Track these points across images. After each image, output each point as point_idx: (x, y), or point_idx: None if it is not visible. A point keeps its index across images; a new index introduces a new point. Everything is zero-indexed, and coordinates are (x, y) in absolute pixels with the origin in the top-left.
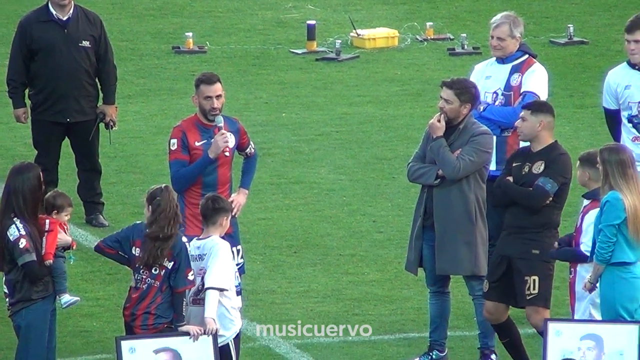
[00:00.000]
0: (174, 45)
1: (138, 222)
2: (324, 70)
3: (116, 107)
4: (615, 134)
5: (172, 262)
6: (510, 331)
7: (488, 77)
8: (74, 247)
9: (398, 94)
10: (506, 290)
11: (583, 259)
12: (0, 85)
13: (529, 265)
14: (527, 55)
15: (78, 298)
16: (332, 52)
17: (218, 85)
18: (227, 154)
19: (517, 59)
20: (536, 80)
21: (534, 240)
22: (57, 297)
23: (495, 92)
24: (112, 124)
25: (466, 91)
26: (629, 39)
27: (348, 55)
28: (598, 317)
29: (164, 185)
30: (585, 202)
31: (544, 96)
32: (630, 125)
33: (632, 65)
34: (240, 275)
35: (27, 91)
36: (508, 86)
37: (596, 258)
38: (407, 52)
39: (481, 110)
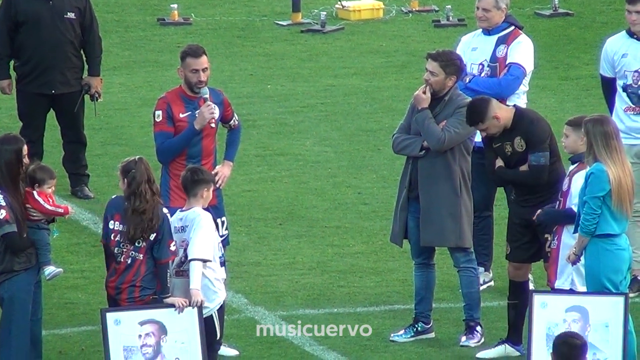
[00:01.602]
0: (159, 17)
1: (113, 196)
2: (309, 42)
3: (101, 79)
4: (610, 102)
5: (155, 234)
6: (523, 295)
7: (474, 49)
8: (69, 214)
9: (383, 65)
10: (529, 249)
11: (572, 217)
12: None
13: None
14: (513, 27)
15: (61, 269)
16: (317, 23)
17: (204, 58)
18: (212, 125)
19: (503, 30)
20: (522, 52)
21: (546, 199)
22: (41, 268)
23: (481, 64)
24: (97, 95)
25: (451, 63)
26: (630, 10)
27: (333, 27)
28: (582, 287)
29: (137, 157)
30: (572, 166)
31: (529, 68)
32: (625, 94)
33: (631, 34)
34: (224, 246)
35: (12, 63)
36: (494, 57)
37: (581, 230)
38: (392, 24)
39: (467, 81)
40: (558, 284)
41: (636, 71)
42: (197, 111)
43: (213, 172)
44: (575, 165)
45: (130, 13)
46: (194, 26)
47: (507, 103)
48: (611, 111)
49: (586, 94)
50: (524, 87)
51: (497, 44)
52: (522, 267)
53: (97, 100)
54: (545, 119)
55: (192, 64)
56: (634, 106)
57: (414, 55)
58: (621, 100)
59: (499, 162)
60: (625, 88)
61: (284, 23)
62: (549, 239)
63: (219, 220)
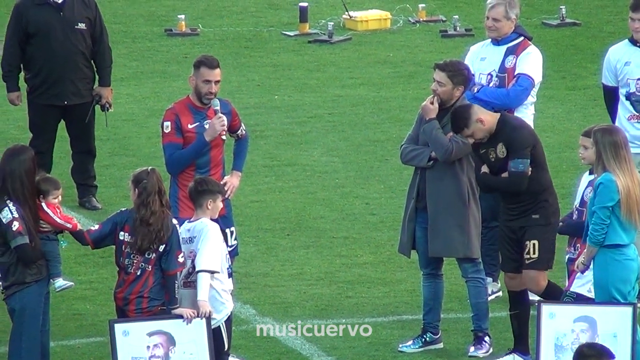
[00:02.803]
0: (167, 27)
1: (123, 209)
2: (317, 52)
3: (111, 89)
4: (612, 111)
5: (164, 245)
6: (523, 305)
7: (483, 59)
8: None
9: (390, 76)
10: (517, 260)
11: None
12: None
13: (529, 231)
14: (522, 38)
15: (72, 283)
16: (324, 34)
17: (218, 71)
18: (223, 137)
19: (512, 41)
20: (530, 63)
21: (531, 207)
22: (51, 280)
23: (489, 74)
24: (108, 106)
25: (459, 73)
26: (633, 17)
27: (340, 38)
28: None
29: (149, 168)
30: (591, 177)
31: (538, 79)
32: (628, 102)
33: (634, 42)
34: (233, 257)
35: (22, 75)
36: (502, 68)
37: (589, 240)
38: (400, 34)
39: (475, 91)
40: (575, 288)
41: (639, 79)
42: (207, 122)
43: (222, 182)
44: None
45: (138, 24)
46: (202, 37)
47: (515, 114)
48: (613, 120)
49: (594, 104)
50: (532, 98)
51: (506, 55)
52: (515, 277)
53: (108, 110)
54: (530, 127)
55: (206, 74)
56: (637, 114)
57: (422, 66)
58: (624, 108)
59: (484, 169)
60: (628, 96)
61: (292, 33)
62: (528, 246)
63: (227, 231)
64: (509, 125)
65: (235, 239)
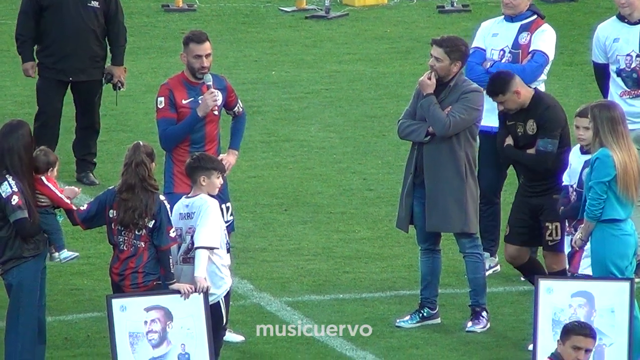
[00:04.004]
0: (164, 3)
1: (110, 187)
2: (314, 28)
3: (125, 68)
4: (604, 88)
5: (153, 221)
6: (534, 268)
7: (495, 35)
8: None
9: (388, 51)
10: (529, 233)
11: None
12: None
13: (550, 212)
14: (535, 16)
15: (78, 254)
16: (321, 10)
17: (207, 44)
18: (215, 112)
19: (526, 18)
20: (546, 40)
21: (553, 187)
22: (57, 253)
23: (502, 50)
24: (119, 84)
25: (456, 49)
26: None
27: (337, 13)
28: None
29: (135, 142)
30: (588, 156)
31: (551, 56)
32: (619, 79)
33: (622, 19)
34: (229, 233)
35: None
36: (516, 44)
37: (586, 215)
38: (397, 10)
39: (488, 66)
40: (582, 270)
41: (628, 55)
42: (200, 98)
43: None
44: None
45: (135, 0)
46: (199, 12)
47: None
48: (605, 97)
49: (591, 80)
50: (543, 75)
51: (520, 31)
52: (519, 253)
53: (119, 89)
54: (562, 108)
55: (195, 49)
56: (629, 90)
57: (419, 41)
58: (616, 85)
59: (509, 140)
60: (619, 73)
61: (289, 9)
62: (550, 228)
63: (223, 206)
64: (544, 104)
65: (232, 214)
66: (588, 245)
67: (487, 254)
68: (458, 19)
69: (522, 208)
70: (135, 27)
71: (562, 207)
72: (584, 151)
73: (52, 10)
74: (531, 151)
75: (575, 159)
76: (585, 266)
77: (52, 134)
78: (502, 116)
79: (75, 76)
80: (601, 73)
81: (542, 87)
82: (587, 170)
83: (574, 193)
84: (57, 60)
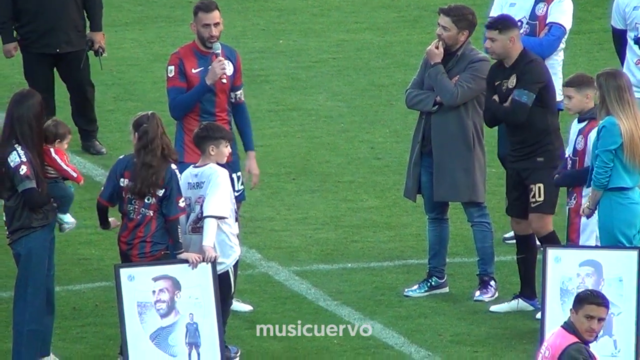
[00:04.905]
0: None
1: (121, 156)
2: None
3: (103, 34)
4: (621, 55)
5: (164, 190)
6: (529, 249)
7: (512, 4)
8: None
9: (395, 20)
10: (523, 203)
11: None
12: None
13: (533, 174)
14: None
15: (75, 221)
16: None
17: (216, 13)
18: (224, 80)
19: None
20: (563, 11)
21: (536, 150)
22: (60, 216)
23: (520, 21)
24: (101, 50)
25: (463, 18)
26: None
27: None
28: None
29: (150, 112)
30: (580, 125)
31: (568, 27)
32: (637, 47)
33: None
34: (240, 202)
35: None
36: (533, 15)
37: (594, 184)
38: None
39: None
40: (583, 242)
41: None
42: (210, 66)
43: (247, 170)
44: (586, 122)
45: None
46: None
47: (545, 61)
48: (622, 63)
49: (598, 48)
50: (562, 44)
51: (537, 2)
52: (521, 222)
53: (101, 55)
54: (545, 66)
55: (204, 18)
56: None
57: (426, 10)
58: (632, 52)
59: (495, 98)
60: (636, 40)
61: None
62: (533, 189)
63: (234, 175)
64: (526, 58)
65: (242, 184)
66: (584, 220)
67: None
68: None
69: (512, 177)
70: None
71: (556, 175)
72: (580, 119)
73: None
74: (507, 103)
75: (572, 128)
76: (584, 239)
77: (48, 107)
78: (491, 78)
79: (61, 48)
80: (620, 39)
81: (561, 55)
82: (581, 139)
83: (570, 161)
84: (41, 35)
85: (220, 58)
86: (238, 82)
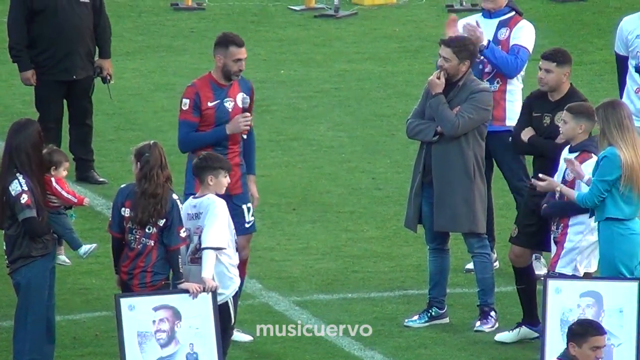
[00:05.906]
0: (173, 2)
1: (122, 185)
2: (322, 27)
3: (110, 62)
4: (622, 82)
5: (164, 220)
6: (529, 279)
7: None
8: (83, 204)
9: (396, 50)
10: (535, 235)
11: (579, 207)
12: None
13: None
14: (514, 12)
15: (95, 244)
16: (330, 8)
17: (245, 48)
18: (244, 136)
19: (504, 14)
20: (526, 35)
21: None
22: (64, 256)
23: (482, 45)
24: (109, 77)
25: (464, 49)
26: None
27: (346, 12)
28: (581, 269)
29: (151, 141)
30: (572, 155)
31: (531, 51)
32: (637, 75)
33: None
34: (250, 233)
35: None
36: (496, 40)
37: (578, 198)
38: (406, 9)
39: (485, 44)
40: (559, 268)
41: None
42: (227, 100)
43: (250, 195)
44: (577, 154)
45: None
46: (208, 11)
47: (507, 87)
48: (622, 91)
49: (599, 79)
50: (522, 71)
51: (499, 27)
52: (523, 254)
53: (109, 82)
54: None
55: (237, 53)
56: None
57: (428, 40)
58: (632, 81)
59: (530, 132)
60: (637, 68)
61: (298, 8)
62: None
63: (244, 207)
64: (579, 97)
65: (252, 215)
66: (567, 245)
67: None
68: None
69: (530, 208)
70: (144, 26)
71: (544, 205)
72: (571, 149)
73: (47, 13)
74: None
75: (562, 155)
76: (561, 265)
77: (55, 137)
78: (527, 105)
79: (78, 74)
80: (622, 65)
81: (519, 82)
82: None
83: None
84: (58, 61)
85: (247, 114)
86: (250, 110)
